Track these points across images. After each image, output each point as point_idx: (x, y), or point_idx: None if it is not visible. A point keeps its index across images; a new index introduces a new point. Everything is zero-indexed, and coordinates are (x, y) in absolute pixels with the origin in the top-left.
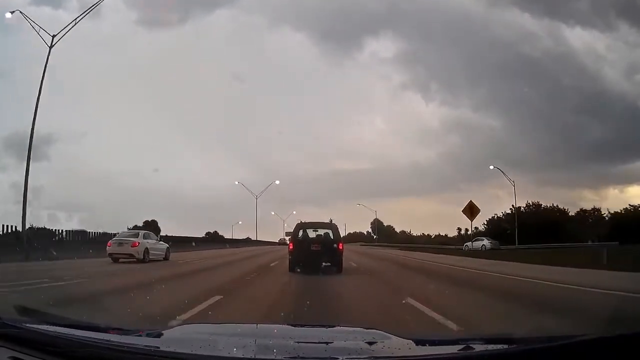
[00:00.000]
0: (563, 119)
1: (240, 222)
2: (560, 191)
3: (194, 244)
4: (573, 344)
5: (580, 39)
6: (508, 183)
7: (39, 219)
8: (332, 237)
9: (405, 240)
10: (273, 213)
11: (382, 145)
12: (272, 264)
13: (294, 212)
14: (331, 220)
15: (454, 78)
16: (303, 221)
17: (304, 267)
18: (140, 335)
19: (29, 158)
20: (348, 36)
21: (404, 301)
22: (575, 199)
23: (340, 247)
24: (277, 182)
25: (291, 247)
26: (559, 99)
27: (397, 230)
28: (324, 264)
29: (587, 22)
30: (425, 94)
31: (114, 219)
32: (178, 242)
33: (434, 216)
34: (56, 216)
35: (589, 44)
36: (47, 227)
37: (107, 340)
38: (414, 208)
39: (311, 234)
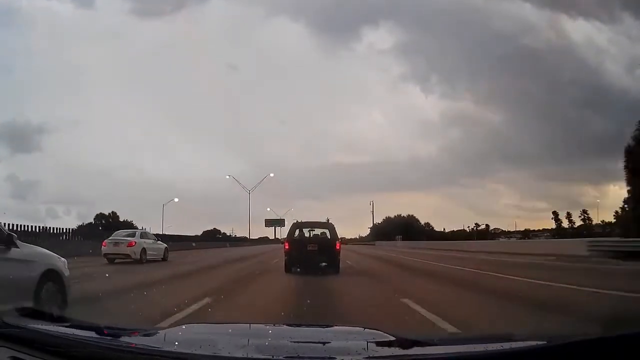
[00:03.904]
0: (564, 113)
1: (176, 200)
2: (561, 187)
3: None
4: (573, 344)
5: (582, 31)
6: (508, 178)
7: (36, 213)
8: (329, 237)
9: None
10: (228, 176)
11: (382, 138)
12: None
13: (271, 174)
14: (328, 220)
15: (454, 70)
16: (299, 220)
17: (300, 268)
18: (140, 336)
19: None
20: (346, 27)
21: None
22: (576, 195)
23: (338, 247)
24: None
25: (287, 247)
26: (560, 93)
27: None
28: (321, 264)
29: (590, 13)
30: (425, 87)
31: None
32: None
33: (437, 211)
34: (54, 210)
35: (591, 37)
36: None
37: (108, 341)
38: (415, 203)
39: (308, 233)
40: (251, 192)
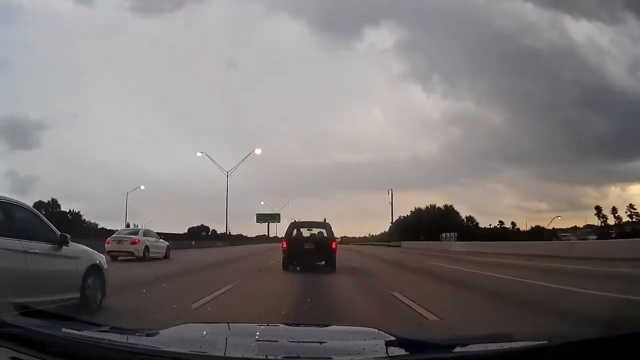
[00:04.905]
0: (565, 113)
1: (142, 187)
2: (561, 188)
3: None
4: (573, 344)
5: (584, 31)
6: (509, 177)
7: (36, 209)
8: (325, 236)
9: None
10: (200, 154)
11: (383, 137)
12: None
13: (257, 151)
14: (325, 220)
15: (455, 70)
16: (297, 220)
17: (297, 266)
18: (140, 335)
19: None
20: (347, 26)
21: None
22: (576, 196)
23: (334, 246)
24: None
25: (285, 245)
26: (561, 93)
27: None
28: (317, 263)
29: (592, 13)
30: (426, 86)
31: (108, 210)
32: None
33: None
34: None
35: (593, 37)
36: None
37: (107, 340)
38: (416, 201)
39: (305, 233)
40: (229, 173)
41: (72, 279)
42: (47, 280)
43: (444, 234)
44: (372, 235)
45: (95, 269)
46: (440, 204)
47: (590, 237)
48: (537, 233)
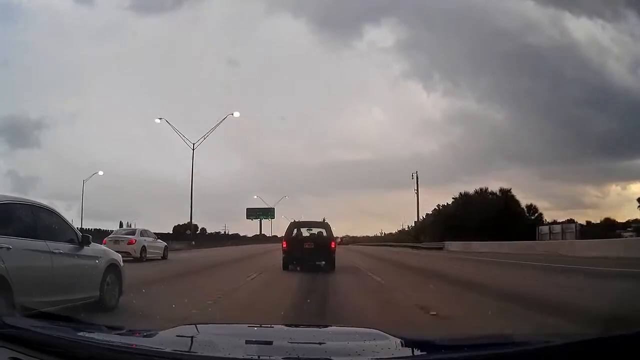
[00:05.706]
0: (566, 112)
1: (101, 173)
2: (562, 186)
3: None
4: (573, 344)
5: (585, 29)
6: (509, 176)
7: None
8: (325, 236)
9: None
10: (160, 119)
11: (383, 135)
12: None
13: (236, 114)
14: (324, 219)
15: (456, 68)
16: (297, 220)
17: (297, 266)
18: (139, 336)
19: None
20: (348, 24)
21: None
22: (577, 194)
23: (333, 246)
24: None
25: (285, 245)
26: (563, 92)
27: None
28: (317, 262)
29: (594, 11)
30: (427, 84)
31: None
32: None
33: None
34: (55, 206)
35: (594, 35)
36: None
37: (107, 341)
38: (414, 200)
39: (305, 233)
40: (197, 145)
41: (93, 278)
42: (70, 280)
43: (542, 228)
44: (385, 234)
45: (113, 268)
46: (493, 189)
47: (624, 234)
48: (611, 225)
